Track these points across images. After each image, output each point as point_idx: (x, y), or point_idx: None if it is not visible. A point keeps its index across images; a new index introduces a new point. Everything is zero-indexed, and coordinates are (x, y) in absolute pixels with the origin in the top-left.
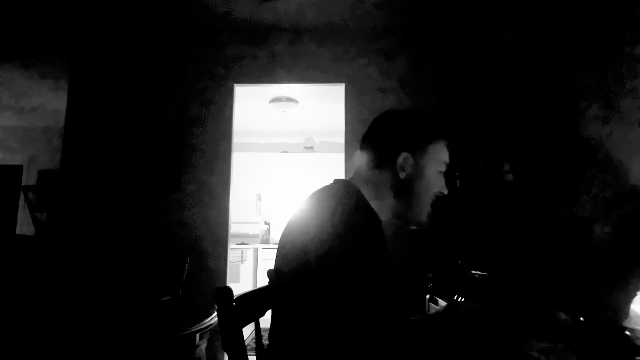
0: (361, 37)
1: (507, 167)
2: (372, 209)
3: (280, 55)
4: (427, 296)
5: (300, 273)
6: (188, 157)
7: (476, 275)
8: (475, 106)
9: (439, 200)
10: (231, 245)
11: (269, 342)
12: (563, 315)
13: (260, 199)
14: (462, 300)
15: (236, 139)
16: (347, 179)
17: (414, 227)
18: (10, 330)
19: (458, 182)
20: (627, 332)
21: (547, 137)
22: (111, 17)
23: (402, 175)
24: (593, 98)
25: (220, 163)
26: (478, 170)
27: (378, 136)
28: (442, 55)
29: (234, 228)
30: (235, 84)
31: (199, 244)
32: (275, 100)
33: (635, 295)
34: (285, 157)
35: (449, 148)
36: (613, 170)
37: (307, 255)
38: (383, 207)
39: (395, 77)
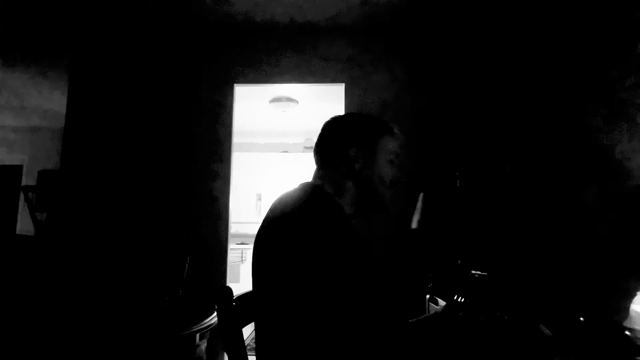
0: (362, 37)
1: (507, 167)
2: (336, 203)
3: (280, 55)
4: (427, 296)
5: (268, 274)
6: (188, 157)
7: (476, 275)
8: (475, 105)
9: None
10: (231, 245)
11: (255, 346)
12: (547, 330)
13: (260, 199)
14: (462, 300)
15: (236, 139)
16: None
17: (372, 211)
18: (11, 330)
19: (458, 182)
20: (627, 332)
21: (548, 137)
22: (111, 17)
23: (356, 166)
24: (594, 96)
25: (221, 163)
26: (478, 170)
27: (329, 139)
28: (443, 55)
29: (234, 228)
30: (235, 84)
31: (199, 244)
32: (275, 100)
33: (635, 295)
34: (285, 157)
35: (396, 139)
36: (614, 170)
37: (274, 255)
38: (347, 201)
39: (395, 76)
